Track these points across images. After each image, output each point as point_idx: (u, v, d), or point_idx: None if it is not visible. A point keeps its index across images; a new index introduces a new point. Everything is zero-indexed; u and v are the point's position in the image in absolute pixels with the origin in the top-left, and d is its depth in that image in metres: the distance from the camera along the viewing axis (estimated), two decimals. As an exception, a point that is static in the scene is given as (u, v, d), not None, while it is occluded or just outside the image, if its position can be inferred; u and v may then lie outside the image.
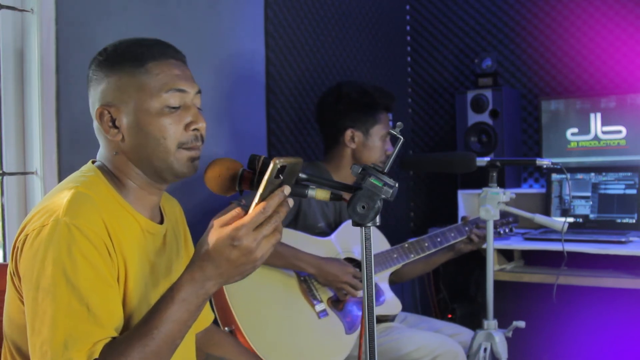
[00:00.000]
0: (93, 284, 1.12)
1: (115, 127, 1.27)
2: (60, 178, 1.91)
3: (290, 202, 1.15)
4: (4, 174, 1.91)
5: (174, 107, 1.26)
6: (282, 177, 1.12)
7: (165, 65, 1.27)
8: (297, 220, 2.30)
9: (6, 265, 1.27)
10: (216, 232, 1.12)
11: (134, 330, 1.12)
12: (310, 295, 2.16)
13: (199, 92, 1.32)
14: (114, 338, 1.12)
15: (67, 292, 1.09)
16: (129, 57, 1.27)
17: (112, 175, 1.29)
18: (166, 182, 1.32)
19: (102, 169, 1.30)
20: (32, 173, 1.94)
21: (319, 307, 2.16)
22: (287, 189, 1.14)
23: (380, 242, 2.45)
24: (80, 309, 1.09)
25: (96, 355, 1.08)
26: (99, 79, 1.28)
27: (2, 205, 1.92)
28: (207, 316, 1.60)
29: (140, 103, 1.25)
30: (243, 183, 1.22)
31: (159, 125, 1.25)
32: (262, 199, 1.11)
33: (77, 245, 1.12)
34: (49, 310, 1.09)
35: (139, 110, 1.25)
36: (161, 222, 1.38)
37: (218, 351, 1.56)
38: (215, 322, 2.00)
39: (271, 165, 1.09)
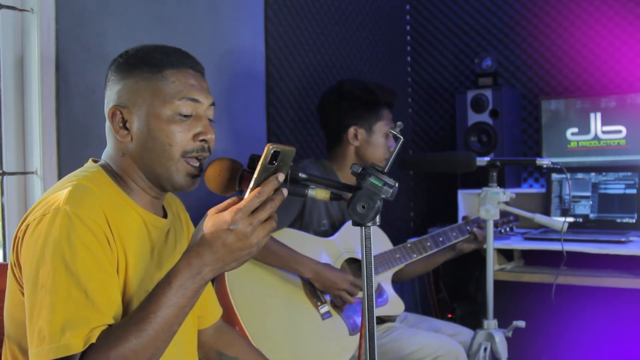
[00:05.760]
0: (92, 271, 1.13)
1: (126, 128, 1.29)
2: (60, 178, 1.90)
3: (285, 191, 1.17)
4: (4, 174, 1.91)
5: (185, 116, 1.28)
6: (275, 164, 1.15)
7: (182, 74, 1.29)
8: (302, 217, 2.30)
9: (6, 265, 1.27)
10: (212, 217, 1.14)
11: (131, 315, 1.14)
12: (314, 297, 2.16)
13: (213, 104, 1.34)
14: (111, 325, 1.13)
15: (66, 279, 1.10)
16: (148, 61, 1.29)
17: (116, 174, 1.31)
18: (165, 191, 1.34)
19: (105, 167, 1.32)
20: (32, 173, 1.94)
21: (323, 308, 2.16)
22: (281, 176, 1.16)
23: (382, 243, 2.45)
24: (79, 295, 1.10)
25: (93, 340, 1.09)
26: (117, 80, 1.31)
27: (2, 205, 1.92)
28: (215, 311, 1.60)
29: (153, 108, 1.27)
30: (243, 183, 1.23)
31: (168, 131, 1.26)
32: (256, 184, 1.14)
33: (76, 233, 1.13)
34: (48, 296, 1.10)
35: (150, 114, 1.27)
36: (164, 217, 1.39)
37: (230, 350, 1.57)
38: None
39: (265, 150, 1.12)
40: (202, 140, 1.29)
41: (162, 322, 1.11)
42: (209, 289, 1.57)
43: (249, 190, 1.14)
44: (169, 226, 1.39)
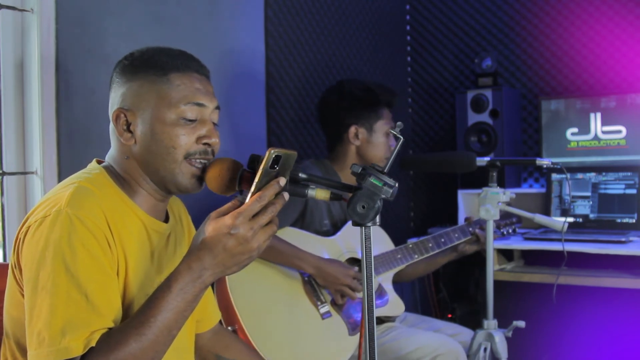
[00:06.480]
0: (92, 274, 1.13)
1: (130, 131, 1.28)
2: (60, 178, 1.91)
3: (286, 195, 1.17)
4: (4, 174, 1.91)
5: (190, 120, 1.27)
6: (277, 168, 1.14)
7: (187, 78, 1.29)
8: (304, 217, 2.30)
9: (6, 265, 1.27)
10: (213, 221, 1.14)
11: (131, 319, 1.13)
12: (314, 297, 2.16)
13: (218, 108, 1.33)
14: (111, 328, 1.13)
15: (66, 281, 1.10)
16: (153, 65, 1.28)
17: (120, 177, 1.31)
18: (171, 193, 1.34)
19: (109, 169, 1.32)
20: (32, 173, 1.94)
21: (323, 308, 2.16)
22: (282, 180, 1.16)
23: (384, 243, 2.45)
24: (79, 297, 1.10)
25: (93, 344, 1.09)
26: (121, 82, 1.30)
27: (2, 205, 1.92)
28: (214, 315, 1.60)
29: (157, 111, 1.26)
30: (243, 183, 1.23)
31: (172, 135, 1.26)
32: (257, 188, 1.14)
33: (77, 235, 1.13)
34: (48, 298, 1.10)
35: (154, 118, 1.26)
36: (166, 221, 1.39)
37: (228, 353, 1.57)
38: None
39: (266, 154, 1.12)
40: (205, 143, 1.28)
41: (161, 326, 1.11)
42: (209, 293, 1.57)
43: (250, 194, 1.14)
44: (170, 230, 1.39)
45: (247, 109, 2.65)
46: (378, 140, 2.41)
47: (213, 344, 1.57)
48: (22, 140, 1.94)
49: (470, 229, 2.42)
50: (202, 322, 1.55)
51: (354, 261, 2.31)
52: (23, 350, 1.20)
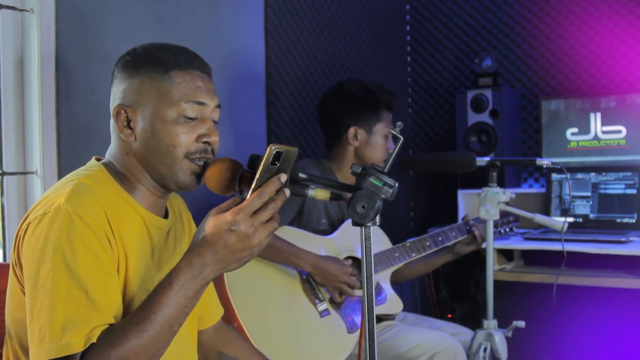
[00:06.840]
0: (92, 271, 1.13)
1: (130, 127, 1.28)
2: (60, 178, 1.90)
3: (287, 192, 1.17)
4: (4, 174, 1.91)
5: (190, 118, 1.27)
6: (278, 164, 1.14)
7: (189, 76, 1.28)
8: (301, 216, 2.30)
9: (6, 265, 1.28)
10: (214, 218, 1.14)
11: (132, 315, 1.14)
12: (312, 295, 2.17)
13: (219, 106, 1.33)
14: (111, 325, 1.13)
15: (66, 278, 1.10)
16: (155, 61, 1.28)
17: (119, 173, 1.31)
18: (170, 190, 1.34)
19: (108, 165, 1.32)
20: (32, 173, 1.94)
21: (321, 306, 2.16)
22: (283, 177, 1.16)
23: (382, 241, 2.45)
24: (79, 294, 1.10)
25: (94, 340, 1.09)
26: (123, 78, 1.30)
27: (2, 205, 1.92)
28: (216, 311, 1.60)
29: (158, 109, 1.26)
30: (243, 183, 1.23)
31: (172, 133, 1.26)
32: (258, 185, 1.14)
33: (77, 232, 1.13)
34: (48, 295, 1.10)
35: (155, 115, 1.26)
36: (166, 217, 1.39)
37: (230, 350, 1.57)
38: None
39: (267, 151, 1.12)
40: (206, 142, 1.28)
41: (162, 323, 1.11)
42: (210, 289, 1.57)
43: (251, 190, 1.14)
44: (170, 226, 1.39)
45: (247, 109, 2.65)
46: (377, 142, 2.42)
47: (215, 341, 1.58)
48: (22, 140, 1.94)
49: (468, 227, 2.43)
50: (204, 318, 1.55)
51: (352, 259, 2.31)
52: (25, 350, 1.20)
